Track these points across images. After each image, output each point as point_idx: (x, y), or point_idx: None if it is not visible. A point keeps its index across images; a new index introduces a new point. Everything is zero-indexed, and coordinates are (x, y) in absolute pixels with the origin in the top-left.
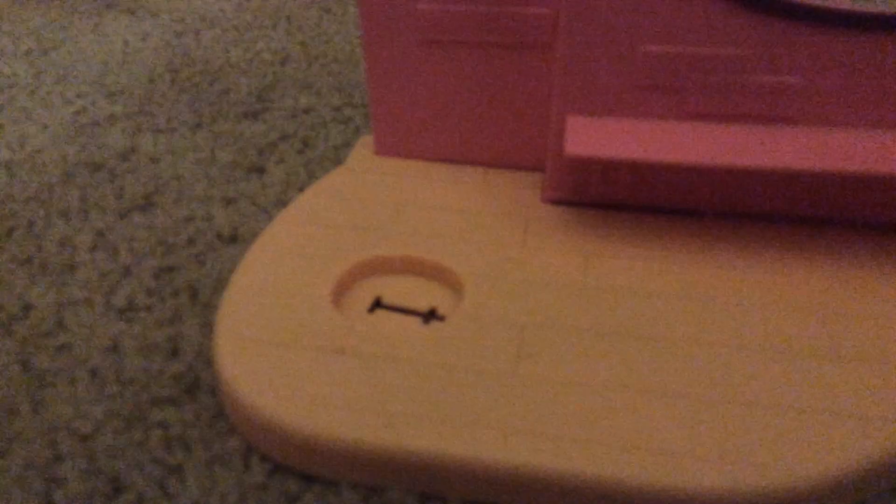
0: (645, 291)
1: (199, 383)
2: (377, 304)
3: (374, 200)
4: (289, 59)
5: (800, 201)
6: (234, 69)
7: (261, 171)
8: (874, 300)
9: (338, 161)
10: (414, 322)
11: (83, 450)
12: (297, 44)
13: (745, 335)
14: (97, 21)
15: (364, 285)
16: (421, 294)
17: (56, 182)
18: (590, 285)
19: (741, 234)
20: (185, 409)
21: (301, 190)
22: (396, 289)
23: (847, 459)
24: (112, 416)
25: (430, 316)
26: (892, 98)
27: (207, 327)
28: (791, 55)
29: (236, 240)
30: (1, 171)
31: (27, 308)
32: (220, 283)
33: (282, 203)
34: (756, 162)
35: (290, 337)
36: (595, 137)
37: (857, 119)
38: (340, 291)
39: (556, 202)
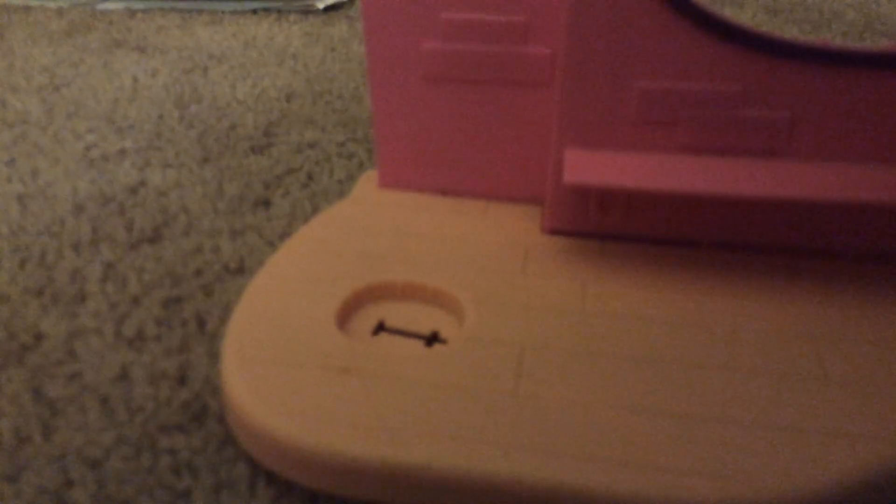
0: (640, 316)
1: (207, 411)
2: (381, 328)
3: (378, 230)
4: (294, 95)
5: (790, 231)
6: (241, 105)
7: (267, 204)
8: (862, 326)
9: (342, 194)
10: (416, 345)
11: (93, 475)
12: (302, 81)
13: (738, 358)
14: (107, 58)
15: (368, 310)
16: (423, 319)
17: (67, 215)
18: (587, 310)
19: (732, 264)
20: (193, 435)
21: (306, 222)
22: (399, 314)
23: (836, 477)
24: (121, 443)
25: (433, 339)
26: (879, 132)
27: (215, 356)
28: (779, 91)
29: (243, 271)
30: (14, 204)
31: (39, 337)
32: (227, 313)
33: (287, 235)
34: (746, 191)
35: (296, 358)
36: (592, 168)
37: (845, 152)
38: (345, 316)
39: (556, 233)
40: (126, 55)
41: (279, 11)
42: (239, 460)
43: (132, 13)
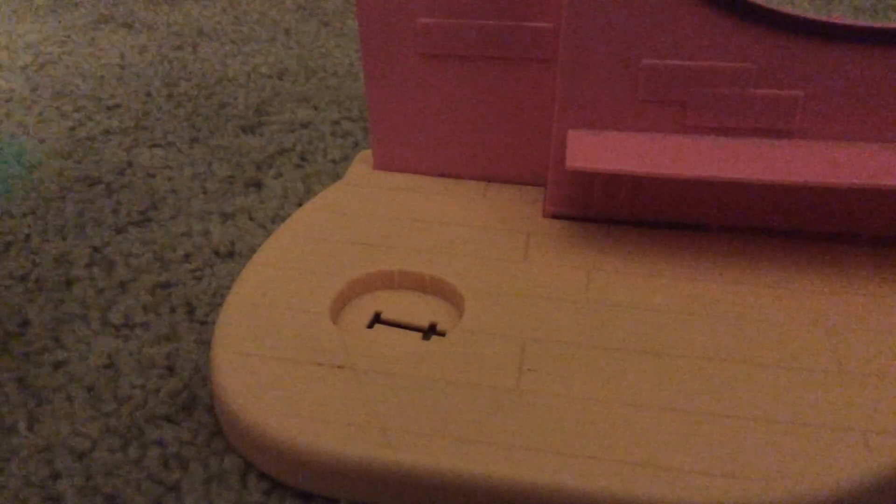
0: (646, 306)
1: (196, 400)
2: (377, 320)
3: (373, 215)
4: (287, 72)
5: (801, 215)
6: (232, 83)
7: (258, 185)
8: (877, 315)
9: (336, 175)
10: (414, 337)
11: (80, 467)
12: (294, 57)
13: (748, 350)
14: (94, 35)
15: (363, 300)
16: (421, 309)
17: (53, 197)
18: (591, 300)
19: (743, 249)
20: (182, 426)
21: (299, 205)
22: (396, 304)
23: (850, 473)
24: (108, 434)
25: (431, 331)
26: (892, 110)
27: (204, 344)
28: (791, 69)
29: (233, 255)
30: None
31: (24, 324)
32: (217, 300)
33: (279, 218)
34: (757, 175)
35: (289, 352)
36: (596, 151)
37: (858, 132)
38: (339, 307)
39: (558, 217)
40: (113, 32)
41: None
42: (229, 452)
43: None
